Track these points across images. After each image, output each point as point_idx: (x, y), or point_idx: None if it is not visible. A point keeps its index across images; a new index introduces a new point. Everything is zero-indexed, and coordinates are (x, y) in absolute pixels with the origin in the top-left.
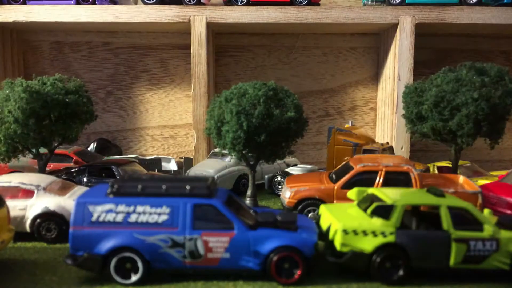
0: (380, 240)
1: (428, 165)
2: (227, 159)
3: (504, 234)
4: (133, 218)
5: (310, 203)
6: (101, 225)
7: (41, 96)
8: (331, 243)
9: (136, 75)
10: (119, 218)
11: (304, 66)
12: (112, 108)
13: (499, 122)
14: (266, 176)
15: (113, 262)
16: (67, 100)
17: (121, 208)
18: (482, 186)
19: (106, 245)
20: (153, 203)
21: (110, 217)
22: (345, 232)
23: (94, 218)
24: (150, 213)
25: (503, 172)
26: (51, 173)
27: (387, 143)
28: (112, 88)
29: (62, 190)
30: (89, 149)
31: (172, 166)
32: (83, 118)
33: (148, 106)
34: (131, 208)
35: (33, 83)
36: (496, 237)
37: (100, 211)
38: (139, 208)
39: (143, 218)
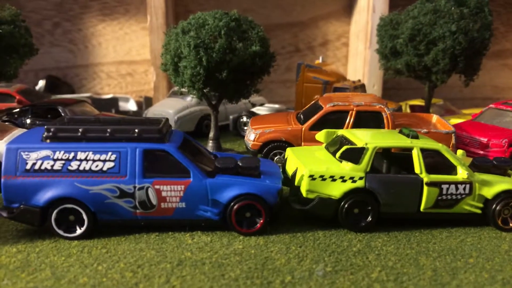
0: (348, 185)
1: (401, 103)
2: (188, 98)
3: (477, 176)
4: (73, 166)
5: (276, 146)
6: (37, 173)
7: None
8: (297, 189)
9: (85, 4)
10: (58, 166)
11: None
12: (60, 41)
13: (476, 57)
14: (230, 117)
15: (54, 214)
16: (0, 31)
17: (59, 154)
18: (455, 126)
19: (44, 196)
20: (97, 149)
21: (47, 165)
22: (312, 177)
23: (28, 166)
24: (94, 160)
25: (476, 111)
26: None
27: (359, 80)
28: (59, 19)
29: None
30: (37, 87)
31: (131, 106)
32: (21, 52)
33: (102, 39)
34: (71, 155)
35: None
36: (469, 180)
37: (36, 158)
38: (81, 155)
39: (85, 166)
